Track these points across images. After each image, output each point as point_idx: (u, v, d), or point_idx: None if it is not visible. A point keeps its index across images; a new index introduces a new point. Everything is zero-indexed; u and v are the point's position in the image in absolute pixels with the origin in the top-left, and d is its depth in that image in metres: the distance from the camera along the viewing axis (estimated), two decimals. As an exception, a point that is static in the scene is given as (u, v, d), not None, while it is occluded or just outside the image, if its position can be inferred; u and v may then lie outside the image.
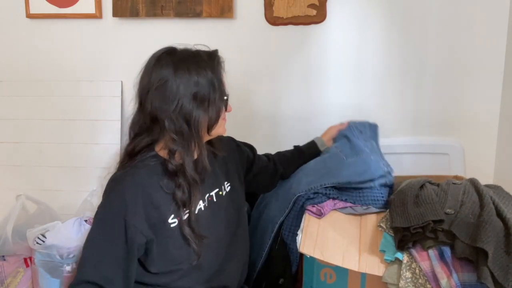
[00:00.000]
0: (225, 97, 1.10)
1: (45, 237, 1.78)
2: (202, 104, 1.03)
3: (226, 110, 1.13)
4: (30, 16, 1.89)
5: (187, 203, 1.06)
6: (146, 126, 1.07)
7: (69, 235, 1.83)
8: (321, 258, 1.16)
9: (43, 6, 1.86)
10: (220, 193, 1.23)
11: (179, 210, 1.07)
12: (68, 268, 1.83)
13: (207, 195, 1.17)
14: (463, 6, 1.71)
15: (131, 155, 1.10)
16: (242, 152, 1.37)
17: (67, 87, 1.92)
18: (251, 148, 1.45)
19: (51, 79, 1.94)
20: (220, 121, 1.11)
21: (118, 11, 1.82)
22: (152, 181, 1.06)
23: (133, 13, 1.80)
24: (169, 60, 1.04)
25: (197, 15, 1.79)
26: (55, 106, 1.93)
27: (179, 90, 1.02)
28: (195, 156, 1.09)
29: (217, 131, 1.13)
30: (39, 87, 1.95)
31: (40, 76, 1.95)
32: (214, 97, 1.05)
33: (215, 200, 1.20)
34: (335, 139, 1.58)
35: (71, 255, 1.83)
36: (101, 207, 1.05)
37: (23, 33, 1.93)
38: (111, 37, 1.88)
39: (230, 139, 1.36)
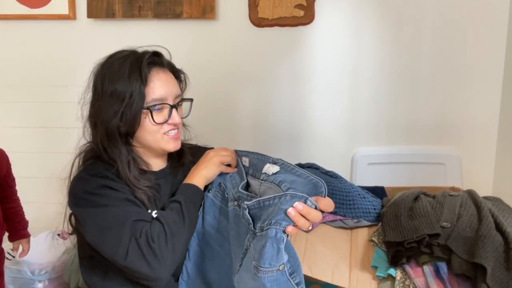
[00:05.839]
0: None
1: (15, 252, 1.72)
2: None
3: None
4: (-1, 17, 1.83)
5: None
6: None
7: (41, 250, 1.78)
8: (309, 275, 1.13)
9: (13, 6, 1.80)
10: None
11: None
12: (40, 285, 1.78)
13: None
14: (459, 7, 1.69)
15: None
16: None
17: (39, 92, 1.88)
18: None
19: (21, 84, 1.89)
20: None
21: (93, 12, 1.77)
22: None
23: (109, 14, 1.76)
24: None
25: (177, 16, 1.74)
26: (26, 112, 1.89)
27: None
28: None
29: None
30: (8, 93, 1.89)
31: (9, 81, 1.90)
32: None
33: None
34: None
35: (43, 271, 1.77)
36: (81, 198, 0.95)
37: (-9, 35, 1.86)
38: (86, 40, 1.82)
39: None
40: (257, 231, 0.83)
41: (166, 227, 0.91)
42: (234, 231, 0.96)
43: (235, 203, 0.96)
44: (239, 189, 0.95)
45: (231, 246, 0.97)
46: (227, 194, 1.02)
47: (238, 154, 1.04)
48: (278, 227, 0.78)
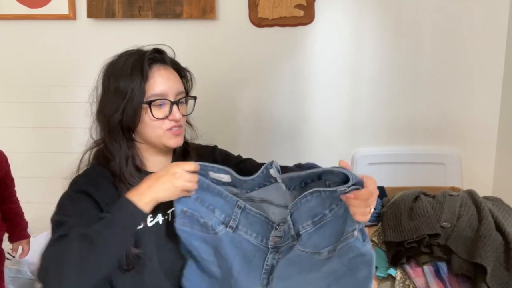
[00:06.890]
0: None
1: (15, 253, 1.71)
2: None
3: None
4: (-2, 17, 1.82)
5: None
6: None
7: (41, 250, 1.75)
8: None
9: (13, 6, 1.79)
10: None
11: None
12: (40, 285, 1.75)
13: (170, 210, 1.06)
14: (459, 7, 1.68)
15: None
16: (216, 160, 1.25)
17: (38, 93, 1.87)
18: (236, 158, 1.32)
19: (21, 84, 1.88)
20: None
21: (93, 12, 1.76)
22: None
23: (109, 14, 1.75)
24: None
25: (177, 16, 1.74)
26: (26, 112, 1.87)
27: None
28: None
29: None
30: (7, 93, 1.88)
31: (9, 82, 1.88)
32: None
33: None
34: None
35: (43, 272, 1.75)
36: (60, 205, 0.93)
37: (-9, 35, 1.85)
38: (86, 40, 1.81)
39: (211, 148, 1.25)
40: (308, 228, 0.84)
41: (72, 247, 0.80)
42: (239, 257, 0.91)
43: (224, 226, 0.91)
44: (247, 205, 0.92)
45: (243, 270, 0.91)
46: (201, 218, 0.92)
47: (204, 168, 0.92)
48: (340, 202, 0.80)
